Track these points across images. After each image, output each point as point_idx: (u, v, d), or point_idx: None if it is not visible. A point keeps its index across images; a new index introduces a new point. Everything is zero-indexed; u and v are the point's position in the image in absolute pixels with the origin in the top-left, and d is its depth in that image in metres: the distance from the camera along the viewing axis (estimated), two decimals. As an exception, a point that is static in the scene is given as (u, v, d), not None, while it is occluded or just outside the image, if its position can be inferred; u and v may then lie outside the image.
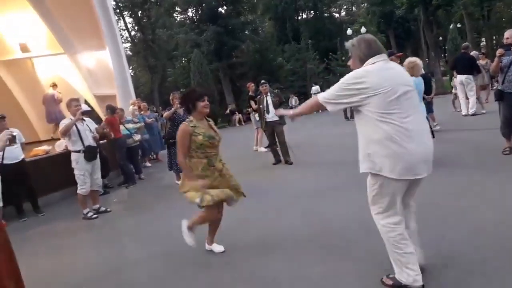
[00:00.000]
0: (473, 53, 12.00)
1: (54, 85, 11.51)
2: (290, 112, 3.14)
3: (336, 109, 2.68)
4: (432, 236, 3.55)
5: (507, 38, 5.80)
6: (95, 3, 10.97)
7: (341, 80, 2.64)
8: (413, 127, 2.52)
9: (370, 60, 2.60)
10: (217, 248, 4.05)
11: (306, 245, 3.86)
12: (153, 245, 4.58)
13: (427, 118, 6.49)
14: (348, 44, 2.78)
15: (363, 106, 2.55)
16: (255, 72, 29.05)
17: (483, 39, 37.68)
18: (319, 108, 2.83)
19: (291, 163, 8.11)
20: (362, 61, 2.64)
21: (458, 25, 32.13)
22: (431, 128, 6.59)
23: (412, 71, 6.09)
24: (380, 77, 2.51)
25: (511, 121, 5.98)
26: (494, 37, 37.03)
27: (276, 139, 8.34)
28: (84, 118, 6.25)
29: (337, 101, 2.64)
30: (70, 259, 4.63)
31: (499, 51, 5.81)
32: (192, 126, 3.68)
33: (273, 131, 8.29)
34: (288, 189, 6.22)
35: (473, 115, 10.75)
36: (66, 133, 5.98)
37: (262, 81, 8.56)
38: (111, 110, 8.40)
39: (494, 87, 10.47)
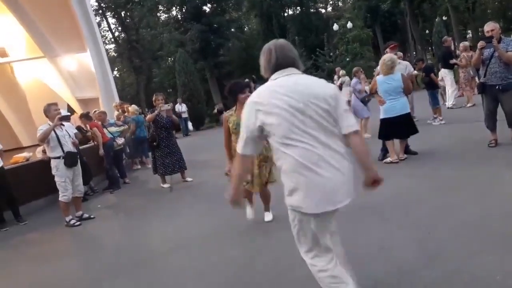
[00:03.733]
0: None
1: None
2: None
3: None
4: (418, 234, 3.50)
5: (488, 31, 5.76)
6: (74, 5, 10.76)
7: None
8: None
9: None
10: (267, 216, 4.58)
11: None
12: (137, 253, 4.46)
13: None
14: None
15: None
16: (241, 70, 28.91)
17: (469, 31, 37.96)
18: (245, 162, 2.32)
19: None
20: None
21: (444, 18, 32.30)
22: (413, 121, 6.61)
23: (381, 68, 6.17)
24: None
25: (494, 113, 5.97)
26: (479, 29, 37.41)
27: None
28: (63, 123, 6.08)
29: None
30: (52, 268, 4.48)
31: (480, 44, 5.77)
32: (229, 115, 4.24)
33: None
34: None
35: (449, 108, 10.88)
36: (44, 139, 5.80)
37: (246, 80, 8.46)
38: (86, 117, 8.32)
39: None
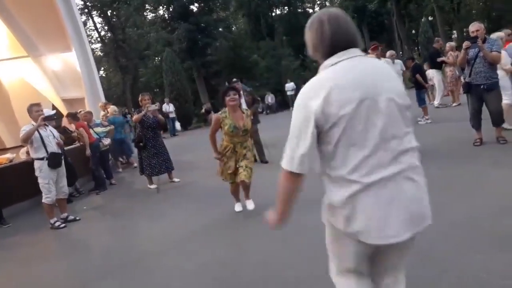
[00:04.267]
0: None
1: None
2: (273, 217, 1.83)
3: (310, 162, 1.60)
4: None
5: (473, 32, 5.84)
6: (58, 3, 10.57)
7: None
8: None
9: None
10: (249, 205, 4.85)
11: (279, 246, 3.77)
12: (124, 254, 4.41)
13: None
14: None
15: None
16: (229, 70, 28.79)
17: (454, 31, 38.45)
18: (295, 181, 1.63)
19: (266, 162, 8.00)
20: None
21: (430, 18, 32.66)
22: None
23: None
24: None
25: (479, 112, 6.05)
26: (464, 30, 37.87)
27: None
28: (47, 123, 5.97)
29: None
30: (37, 271, 4.41)
31: (465, 44, 5.86)
32: (223, 117, 4.53)
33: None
34: (260, 190, 6.07)
35: (437, 107, 11.05)
36: (27, 140, 5.68)
37: (234, 79, 8.44)
38: (73, 117, 8.19)
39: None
